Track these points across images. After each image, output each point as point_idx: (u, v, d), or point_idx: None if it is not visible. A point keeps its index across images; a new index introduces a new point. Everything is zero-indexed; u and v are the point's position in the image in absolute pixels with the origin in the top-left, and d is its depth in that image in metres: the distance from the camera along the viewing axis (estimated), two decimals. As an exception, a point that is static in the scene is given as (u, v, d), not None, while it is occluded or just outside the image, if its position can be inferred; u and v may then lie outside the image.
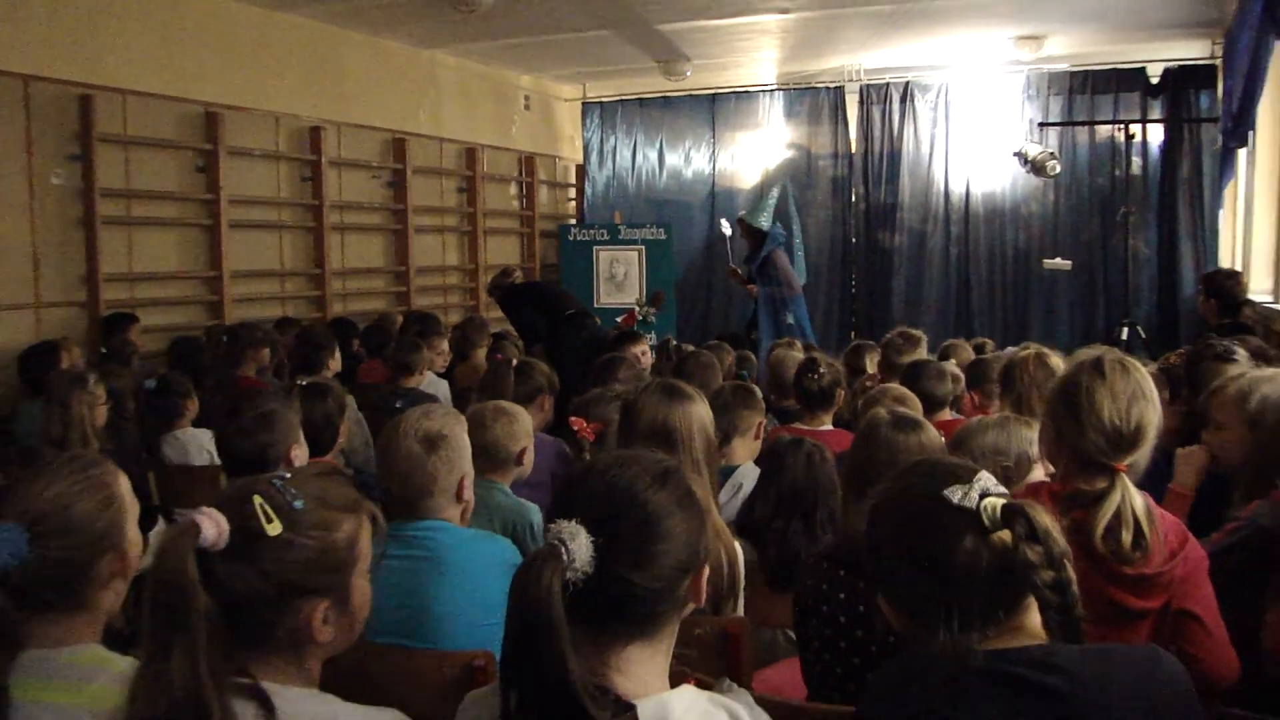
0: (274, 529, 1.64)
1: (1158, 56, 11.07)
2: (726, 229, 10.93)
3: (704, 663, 2.56)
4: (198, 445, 5.13)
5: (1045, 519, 1.63)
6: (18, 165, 6.88)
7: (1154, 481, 2.54)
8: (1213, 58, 10.68)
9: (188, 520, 1.55)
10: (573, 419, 3.70)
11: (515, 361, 5.06)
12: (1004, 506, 1.63)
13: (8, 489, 1.92)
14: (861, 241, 12.48)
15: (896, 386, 4.54)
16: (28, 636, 1.84)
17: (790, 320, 10.11)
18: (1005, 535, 1.62)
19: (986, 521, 1.63)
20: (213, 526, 1.56)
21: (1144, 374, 2.46)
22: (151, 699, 1.45)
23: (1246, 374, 3.28)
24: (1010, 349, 6.93)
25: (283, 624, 1.68)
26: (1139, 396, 2.39)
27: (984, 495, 1.65)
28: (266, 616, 1.66)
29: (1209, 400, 3.32)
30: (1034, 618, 1.66)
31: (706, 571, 1.67)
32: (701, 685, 1.64)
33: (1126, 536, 2.29)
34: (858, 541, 2.56)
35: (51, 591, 1.85)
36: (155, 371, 6.35)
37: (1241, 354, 3.90)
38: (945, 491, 1.66)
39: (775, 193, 10.90)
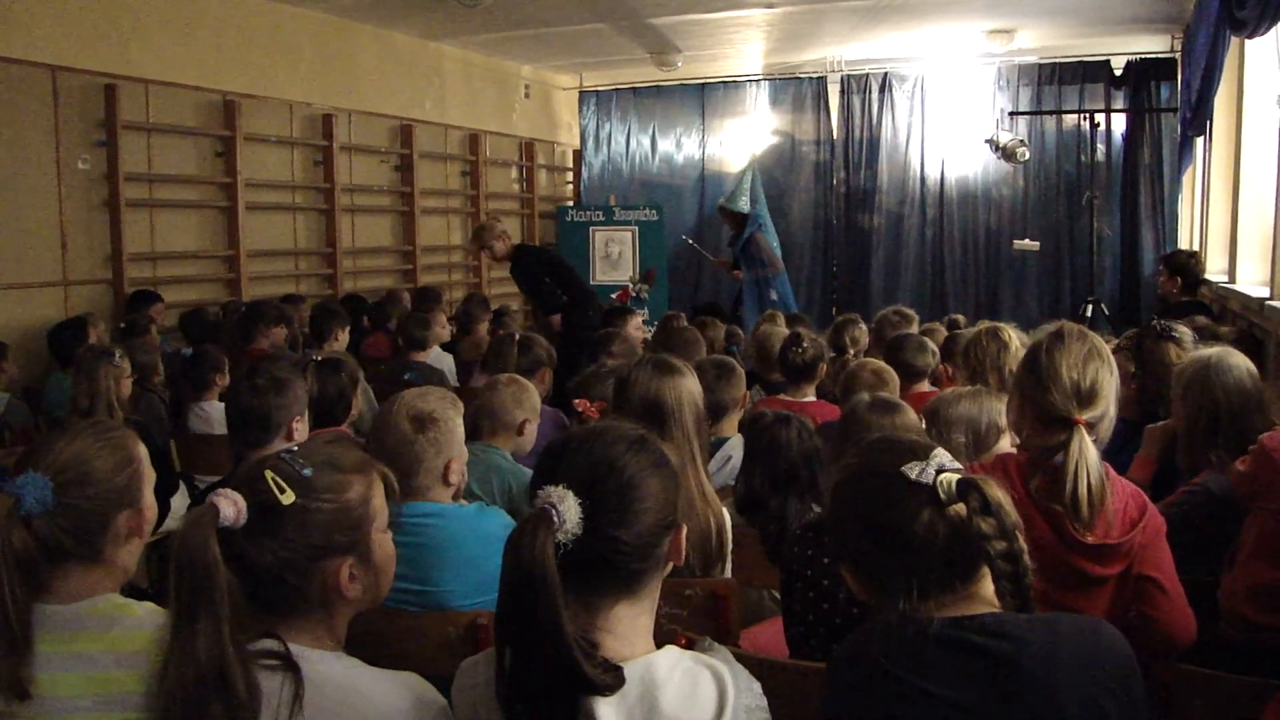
0: (288, 498, 1.64)
1: (1121, 50, 11.08)
2: (689, 241, 11.59)
3: (694, 622, 2.57)
4: (220, 417, 5.12)
5: (997, 493, 1.63)
6: (46, 151, 6.85)
7: (1115, 453, 2.55)
8: (1172, 51, 10.68)
9: (206, 504, 1.55)
10: (576, 400, 3.68)
11: (517, 336, 5.03)
12: (958, 481, 1.63)
13: (34, 449, 1.92)
14: (841, 223, 12.49)
15: (874, 360, 4.55)
16: (50, 592, 1.85)
17: (774, 297, 10.12)
18: (960, 509, 1.62)
19: (942, 495, 1.62)
20: (230, 506, 1.57)
21: (1099, 340, 2.48)
22: (180, 671, 1.47)
23: (1192, 355, 3.28)
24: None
25: (312, 586, 1.68)
26: (1093, 357, 2.41)
27: (940, 471, 1.65)
28: (295, 582, 1.66)
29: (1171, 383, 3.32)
30: (987, 586, 1.66)
31: (684, 531, 1.68)
32: (687, 644, 1.64)
33: (1084, 492, 2.29)
34: None
35: (72, 540, 1.84)
36: (164, 346, 6.33)
37: (1185, 332, 3.90)
38: (903, 468, 1.66)
39: (749, 175, 10.90)
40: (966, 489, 1.62)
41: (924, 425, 3.03)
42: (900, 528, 1.64)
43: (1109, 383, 2.42)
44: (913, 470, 1.65)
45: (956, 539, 1.62)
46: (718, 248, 11.86)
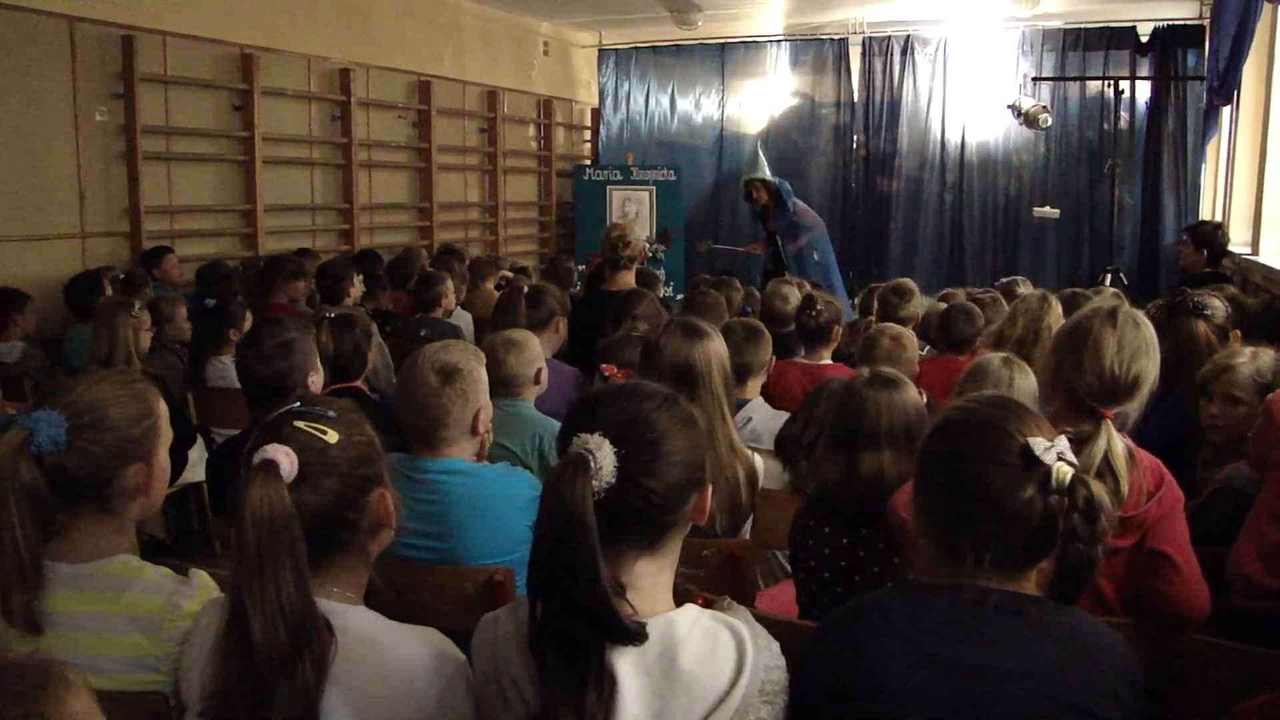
0: (333, 437, 1.66)
1: (1148, 16, 10.94)
2: (712, 246, 11.17)
3: (711, 582, 2.59)
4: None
5: (1105, 499, 1.62)
6: (64, 103, 6.84)
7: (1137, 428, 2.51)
8: (1201, 18, 10.54)
9: (263, 460, 1.56)
10: (604, 365, 3.70)
11: (526, 289, 5.01)
12: (1073, 476, 1.62)
13: (56, 387, 1.94)
14: (860, 187, 12.42)
15: (894, 326, 4.54)
16: (65, 545, 1.87)
17: (817, 258, 10.13)
18: (1061, 501, 1.62)
19: (1054, 482, 1.61)
20: (285, 457, 1.58)
21: (1151, 332, 2.41)
22: (267, 623, 1.49)
23: (1253, 355, 3.24)
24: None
25: (363, 519, 1.71)
26: (1142, 352, 2.35)
27: (1060, 458, 1.63)
28: (353, 516, 1.69)
29: (1217, 375, 3.27)
30: (1032, 579, 1.67)
31: (709, 491, 1.68)
32: (705, 604, 1.65)
33: (1109, 483, 2.25)
34: (837, 488, 2.59)
35: (81, 486, 1.86)
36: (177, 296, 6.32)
37: (1218, 307, 3.87)
38: (1031, 439, 1.64)
39: (759, 148, 11.08)
40: (1076, 485, 1.62)
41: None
42: (999, 494, 1.63)
43: (1150, 379, 2.36)
44: (1039, 445, 1.63)
45: (1045, 527, 1.62)
46: (732, 222, 11.90)
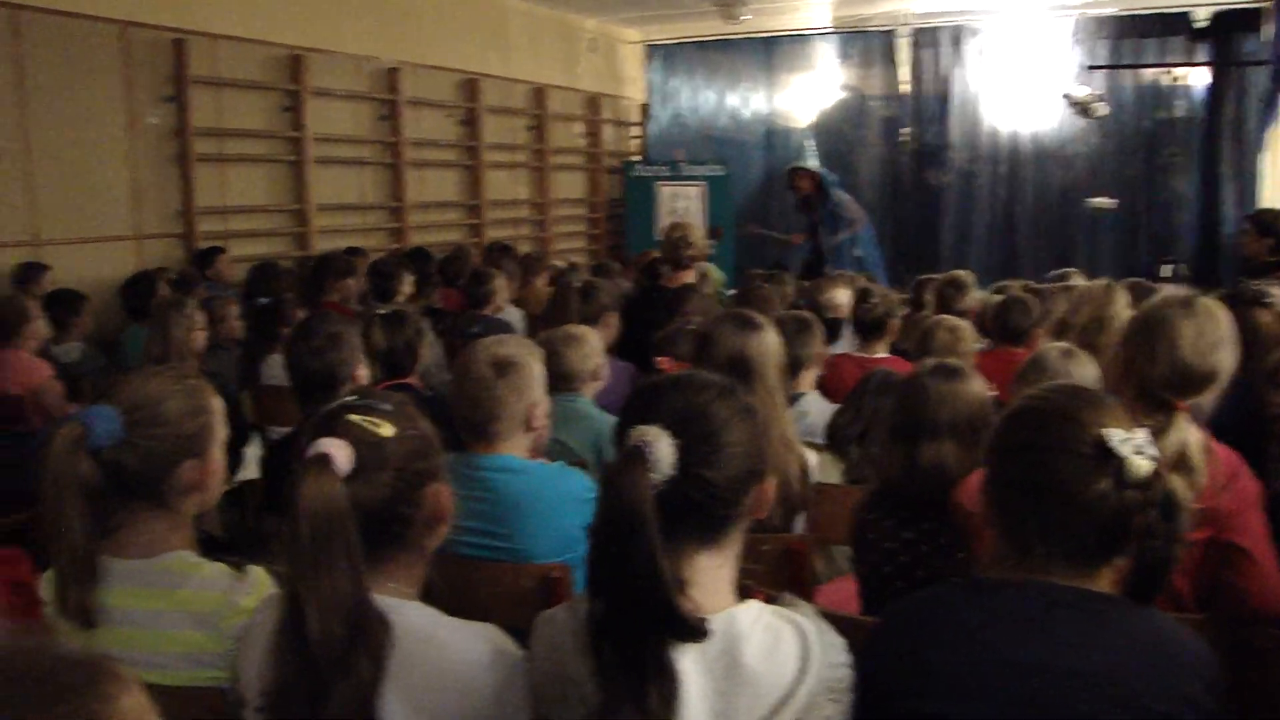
0: (387, 430, 1.63)
1: (1204, 0, 10.73)
2: (756, 230, 11.54)
3: (769, 578, 2.55)
4: (293, 369, 5.18)
5: (1185, 497, 1.57)
6: (117, 107, 6.93)
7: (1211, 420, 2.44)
8: (1261, 1, 10.33)
9: (317, 454, 1.53)
10: (659, 359, 3.67)
11: (577, 284, 4.99)
12: (1151, 470, 1.56)
13: (111, 383, 1.94)
14: (911, 180, 12.32)
15: (950, 318, 4.47)
16: (120, 542, 1.87)
17: (858, 254, 10.07)
18: (1137, 495, 1.55)
19: (1129, 476, 1.55)
20: (340, 451, 1.55)
21: (1230, 323, 2.35)
22: (324, 619, 1.47)
23: None
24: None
25: (418, 516, 1.67)
26: (1221, 344, 2.29)
27: (1138, 451, 1.56)
28: (408, 511, 1.65)
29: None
30: (1109, 576, 1.61)
31: (771, 484, 1.64)
32: (767, 599, 1.62)
33: (1185, 477, 2.17)
34: (898, 481, 2.55)
35: (136, 482, 1.86)
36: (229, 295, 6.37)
37: (1278, 294, 3.78)
38: (1105, 429, 1.57)
39: (809, 139, 11.10)
40: (1154, 480, 1.56)
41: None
42: (1070, 485, 1.57)
43: (1226, 369, 2.30)
44: (1116, 435, 1.56)
45: (1119, 522, 1.56)
46: (781, 216, 11.87)
